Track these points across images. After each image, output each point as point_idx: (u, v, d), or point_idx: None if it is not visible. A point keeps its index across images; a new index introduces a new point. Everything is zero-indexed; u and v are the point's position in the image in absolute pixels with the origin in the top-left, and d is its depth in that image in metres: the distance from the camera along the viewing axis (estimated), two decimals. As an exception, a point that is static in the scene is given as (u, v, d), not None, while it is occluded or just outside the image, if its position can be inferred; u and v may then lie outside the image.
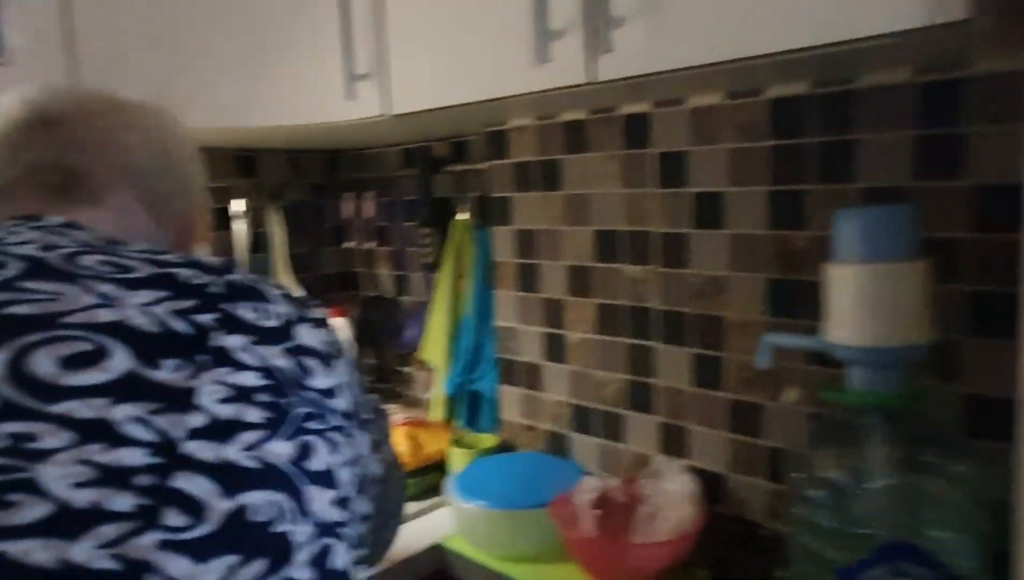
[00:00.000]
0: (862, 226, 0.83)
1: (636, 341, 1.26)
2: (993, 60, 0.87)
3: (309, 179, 1.86)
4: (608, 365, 1.31)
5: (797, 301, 1.06)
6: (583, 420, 1.37)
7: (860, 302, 0.83)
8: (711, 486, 1.18)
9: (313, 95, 1.25)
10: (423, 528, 1.30)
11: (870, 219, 0.83)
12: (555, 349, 1.39)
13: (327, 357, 0.57)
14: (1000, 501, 0.69)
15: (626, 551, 1.11)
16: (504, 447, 1.49)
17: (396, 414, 1.57)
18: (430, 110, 1.12)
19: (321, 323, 0.59)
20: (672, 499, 1.16)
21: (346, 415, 0.56)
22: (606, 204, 1.27)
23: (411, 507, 1.36)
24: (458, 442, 1.47)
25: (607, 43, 0.88)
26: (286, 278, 1.75)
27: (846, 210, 0.85)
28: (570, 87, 0.93)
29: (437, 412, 1.61)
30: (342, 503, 0.52)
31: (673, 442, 1.24)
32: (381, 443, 0.71)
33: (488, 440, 1.49)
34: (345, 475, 0.54)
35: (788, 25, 0.75)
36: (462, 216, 1.55)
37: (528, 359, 1.44)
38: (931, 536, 0.83)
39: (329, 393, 0.55)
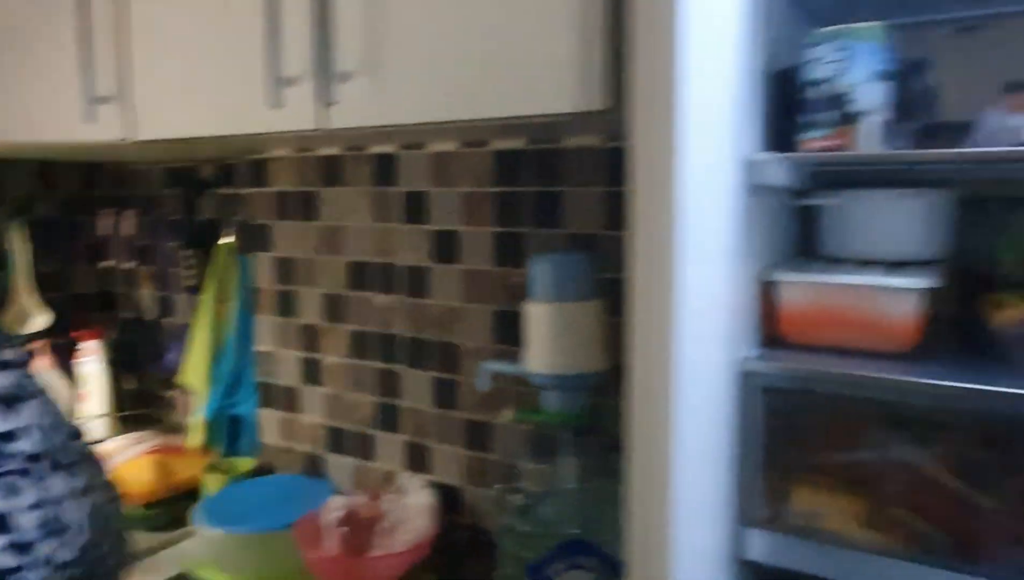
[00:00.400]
0: (548, 270, 0.97)
1: (385, 365, 1.34)
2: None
3: (61, 193, 1.76)
4: (360, 388, 1.38)
5: (517, 331, 1.19)
6: (338, 441, 1.43)
7: (548, 335, 0.98)
8: (449, 498, 1.29)
9: (54, 114, 1.21)
10: (170, 558, 1.29)
11: (555, 264, 0.98)
12: (312, 373, 1.44)
13: (9, 400, 0.58)
14: None
15: (363, 565, 1.18)
16: (262, 470, 1.51)
17: (145, 442, 1.53)
18: (171, 140, 1.13)
19: (7, 365, 0.60)
20: (411, 512, 1.25)
21: (32, 458, 0.57)
22: (358, 236, 1.34)
23: (156, 538, 1.34)
24: (214, 467, 1.46)
25: (334, 95, 0.95)
26: (28, 298, 1.64)
27: (537, 256, 0.99)
28: (301, 131, 0.99)
29: (196, 437, 1.59)
30: (19, 548, 0.53)
31: (417, 459, 1.33)
32: (91, 487, 0.69)
33: (245, 464, 1.49)
34: (26, 520, 0.54)
35: (483, 97, 0.87)
36: (226, 240, 1.55)
37: (286, 383, 1.48)
38: (611, 532, 0.99)
39: (8, 436, 0.56)
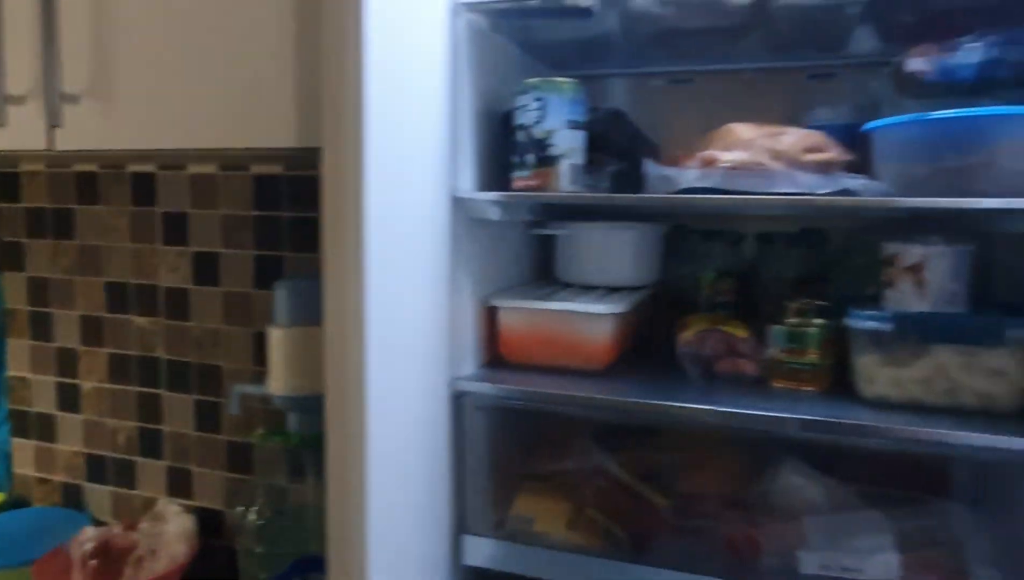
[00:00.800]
0: (287, 296, 1.00)
1: (146, 389, 1.31)
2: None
3: None
4: (120, 413, 1.33)
5: (278, 352, 1.21)
6: (97, 469, 1.36)
7: (288, 357, 1.00)
8: (211, 522, 1.27)
9: None
10: None
11: (293, 289, 1.00)
12: (69, 399, 1.37)
13: None
14: None
15: (106, 597, 1.14)
16: (16, 504, 1.41)
17: None
18: None
19: None
20: (167, 539, 1.22)
21: None
22: (117, 256, 1.30)
23: None
24: (-46, 504, 1.35)
25: (59, 117, 0.93)
26: None
27: (279, 282, 1.01)
28: (27, 151, 0.96)
29: (-62, 472, 1.46)
30: None
31: (179, 484, 1.31)
32: None
33: (-7, 498, 1.39)
34: None
35: (208, 128, 0.89)
36: (-23, 257, 1.44)
37: (42, 410, 1.39)
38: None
39: None
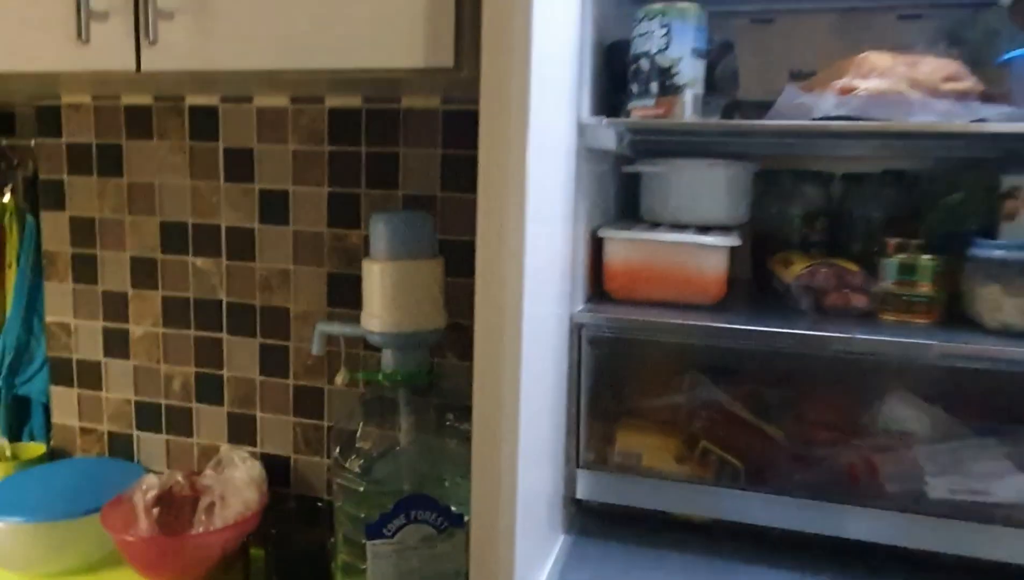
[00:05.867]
0: (389, 228, 0.97)
1: (204, 333, 1.26)
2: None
3: None
4: (175, 359, 1.28)
5: (353, 293, 1.17)
6: (149, 417, 1.32)
7: (388, 293, 0.97)
8: (278, 469, 1.24)
9: None
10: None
11: (395, 222, 0.97)
12: (117, 345, 1.31)
13: None
14: None
15: (182, 544, 1.10)
16: (55, 455, 1.35)
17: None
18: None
19: None
20: (235, 486, 1.19)
21: None
22: (173, 195, 1.24)
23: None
24: (-6, 455, 1.29)
25: (153, 34, 0.87)
26: None
27: (377, 213, 0.98)
28: (111, 72, 0.90)
29: (-31, 423, 1.39)
30: None
31: (242, 431, 1.27)
32: None
33: (34, 450, 1.33)
34: None
35: (322, 47, 0.84)
36: (5, 198, 1.36)
37: (85, 357, 1.33)
38: (446, 487, 1.01)
39: None
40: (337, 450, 0.99)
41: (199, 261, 1.24)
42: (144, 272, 1.27)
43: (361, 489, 0.96)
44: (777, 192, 1.12)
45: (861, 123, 0.80)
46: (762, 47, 1.15)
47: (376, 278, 0.97)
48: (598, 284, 1.00)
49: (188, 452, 1.31)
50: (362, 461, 0.97)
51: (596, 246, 0.98)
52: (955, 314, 0.90)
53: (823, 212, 1.09)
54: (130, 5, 0.88)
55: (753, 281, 1.11)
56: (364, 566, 0.97)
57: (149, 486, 1.19)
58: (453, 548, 0.99)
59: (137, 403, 1.32)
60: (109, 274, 1.29)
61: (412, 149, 1.13)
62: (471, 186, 1.10)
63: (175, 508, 1.20)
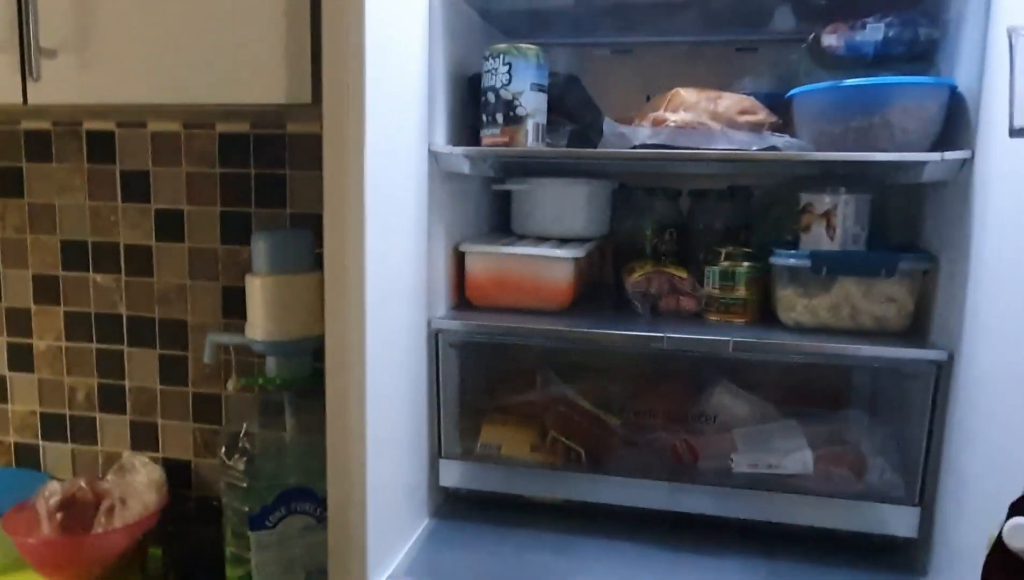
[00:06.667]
0: (267, 246, 1.06)
1: (106, 346, 1.33)
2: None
3: None
4: (79, 371, 1.34)
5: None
6: (54, 428, 1.37)
7: (269, 305, 1.06)
8: (179, 473, 1.32)
9: None
10: None
11: (275, 240, 1.07)
12: (20, 359, 1.37)
13: None
14: None
15: (81, 544, 1.17)
16: (-38, 467, 1.40)
17: None
18: None
19: None
20: (135, 489, 1.26)
21: None
22: (73, 215, 1.31)
23: None
24: None
25: (37, 71, 0.95)
26: None
27: (257, 233, 1.07)
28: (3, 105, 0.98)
29: None
30: None
31: (145, 437, 1.34)
32: None
33: (-61, 461, 1.38)
34: None
35: (196, 83, 0.93)
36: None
37: (-11, 371, 1.38)
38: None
39: None
40: (223, 450, 1.08)
41: (99, 277, 1.31)
42: (46, 289, 1.33)
43: (244, 485, 1.05)
44: (632, 207, 1.24)
45: (667, 150, 0.93)
46: (622, 75, 1.28)
47: (257, 291, 1.06)
48: (462, 293, 1.10)
49: (93, 460, 1.37)
50: (245, 459, 1.05)
51: (459, 259, 1.09)
52: (768, 315, 1.04)
53: (673, 224, 1.22)
54: (16, 42, 0.96)
55: (615, 287, 1.24)
56: (249, 556, 1.06)
57: (51, 492, 1.25)
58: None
59: (42, 414, 1.37)
60: (12, 291, 1.35)
61: (298, 171, 1.22)
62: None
63: (77, 512, 1.26)
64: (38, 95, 0.97)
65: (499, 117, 1.00)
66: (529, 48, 1.00)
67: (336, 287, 0.82)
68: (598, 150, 0.98)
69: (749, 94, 1.04)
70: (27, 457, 1.39)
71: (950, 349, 0.88)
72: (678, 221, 1.24)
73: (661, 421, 1.05)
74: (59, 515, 1.23)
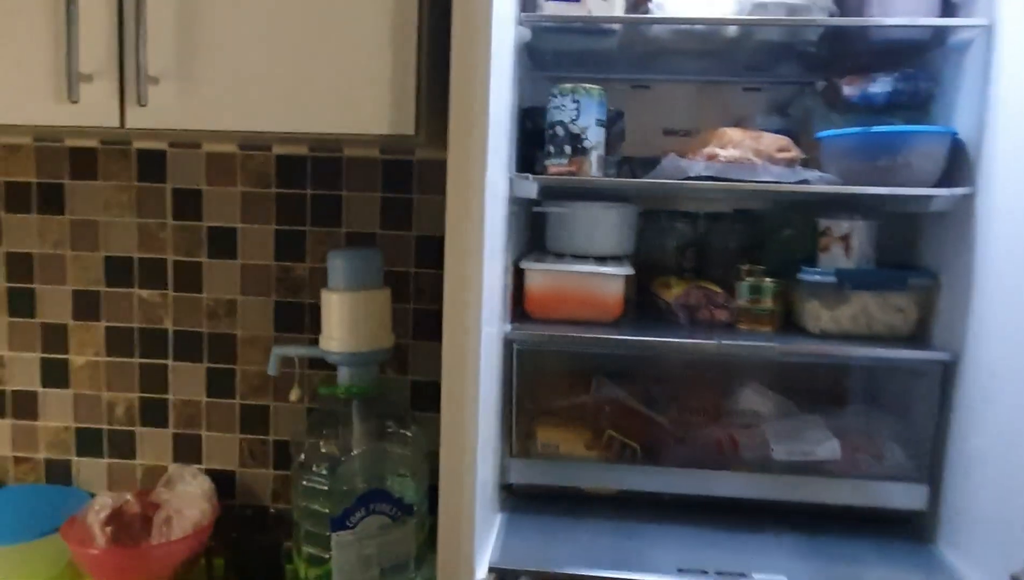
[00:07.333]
0: (345, 264, 1.13)
1: (149, 360, 1.35)
2: (428, 152, 1.28)
3: None
4: (119, 386, 1.36)
5: (298, 319, 1.32)
6: (89, 443, 1.38)
7: (344, 319, 1.13)
8: (222, 482, 1.35)
9: None
10: None
11: (351, 259, 1.14)
12: (55, 375, 1.37)
13: None
14: (434, 451, 1.03)
15: (143, 555, 1.20)
16: (-12, 485, 1.38)
17: None
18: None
19: None
20: (187, 500, 1.29)
21: None
22: (118, 231, 1.32)
23: None
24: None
25: (143, 96, 0.99)
26: None
27: (334, 251, 1.14)
28: (99, 128, 1.01)
29: None
30: None
31: (188, 450, 1.37)
32: None
33: (-35, 480, 1.36)
34: None
35: (293, 114, 1.00)
36: (-75, 232, 1.38)
37: (20, 387, 1.37)
38: (396, 482, 1.17)
39: None
40: (301, 457, 1.14)
41: (144, 293, 1.33)
42: (86, 304, 1.34)
43: (326, 488, 1.11)
44: (656, 228, 1.38)
45: (722, 183, 1.08)
46: (641, 109, 1.42)
47: (335, 306, 1.13)
48: (519, 306, 1.21)
49: (130, 474, 1.38)
50: (327, 464, 1.12)
51: (518, 275, 1.20)
52: (789, 324, 1.20)
53: (692, 244, 1.36)
54: (115, 68, 1.00)
55: (638, 300, 1.37)
56: (328, 555, 1.12)
57: (101, 506, 1.26)
58: (404, 535, 1.16)
59: (77, 429, 1.38)
60: (47, 307, 1.35)
61: (354, 192, 1.30)
62: (407, 224, 1.30)
63: (125, 526, 1.28)
64: (137, 120, 1.01)
65: (567, 149, 1.12)
66: (593, 88, 1.13)
67: (456, 302, 0.91)
68: (659, 181, 1.11)
69: (762, 130, 1.21)
70: (58, 473, 1.39)
71: (955, 351, 1.06)
72: (696, 241, 1.38)
73: (702, 418, 1.19)
74: (108, 528, 1.25)
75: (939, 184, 1.06)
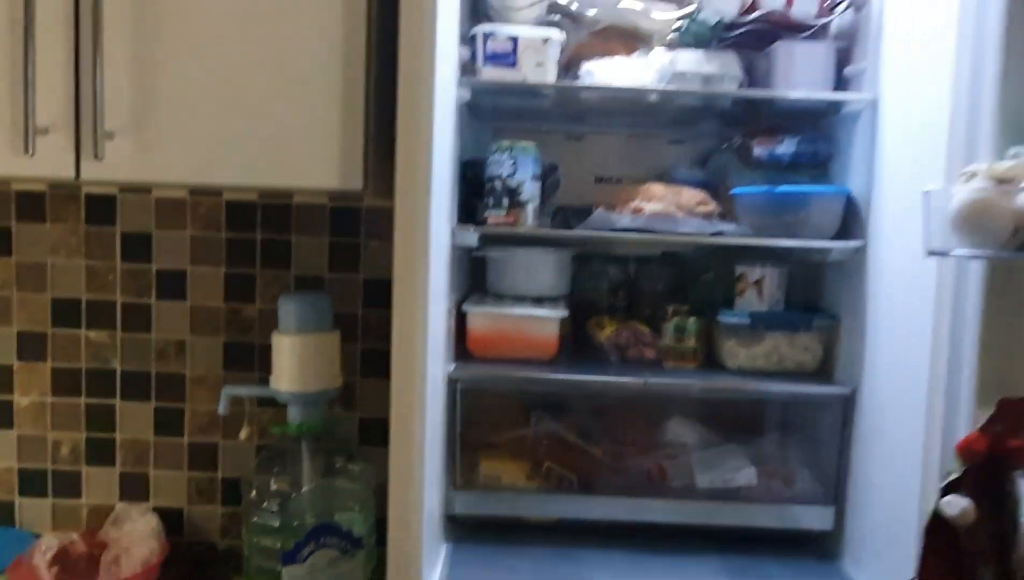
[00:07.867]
0: (296, 309, 1.19)
1: (96, 400, 1.37)
2: (374, 200, 1.35)
3: None
4: (64, 426, 1.37)
5: (247, 359, 1.36)
6: (32, 483, 1.38)
7: (295, 361, 1.19)
8: (170, 520, 1.37)
9: None
10: None
11: (302, 304, 1.20)
12: (0, 416, 1.37)
13: None
14: (381, 485, 1.09)
15: (95, 594, 1.21)
16: (-78, 530, 1.37)
17: None
18: None
19: None
20: (135, 539, 1.31)
21: None
22: (66, 273, 1.35)
23: None
24: None
25: (99, 150, 1.03)
26: None
27: (285, 296, 1.20)
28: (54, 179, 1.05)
29: None
30: None
31: (135, 488, 1.38)
32: None
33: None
34: None
35: (246, 167, 1.05)
36: None
37: (-40, 428, 1.37)
38: (344, 516, 1.22)
39: None
40: (252, 493, 1.18)
41: (92, 334, 1.36)
42: (31, 346, 1.36)
43: (277, 524, 1.16)
44: (589, 271, 1.48)
45: (645, 236, 1.18)
46: (575, 158, 1.52)
47: (286, 349, 1.18)
48: (462, 346, 1.28)
49: (75, 514, 1.39)
50: (278, 500, 1.16)
51: (460, 317, 1.27)
52: (711, 360, 1.31)
53: (622, 285, 1.47)
54: (71, 121, 1.03)
55: (575, 337, 1.46)
56: (278, 590, 1.16)
57: (48, 546, 1.27)
58: (353, 567, 1.21)
59: (20, 470, 1.38)
60: (-8, 348, 1.36)
61: (302, 237, 1.35)
62: (355, 267, 1.36)
63: (72, 566, 1.29)
64: (92, 172, 1.05)
65: (505, 201, 1.21)
66: (529, 145, 1.22)
67: (404, 344, 0.98)
68: (588, 232, 1.21)
69: (685, 181, 1.32)
70: (2, 515, 1.39)
71: (853, 385, 1.18)
72: (627, 283, 1.49)
73: (633, 449, 1.28)
74: (55, 568, 1.26)
75: (837, 237, 1.19)
